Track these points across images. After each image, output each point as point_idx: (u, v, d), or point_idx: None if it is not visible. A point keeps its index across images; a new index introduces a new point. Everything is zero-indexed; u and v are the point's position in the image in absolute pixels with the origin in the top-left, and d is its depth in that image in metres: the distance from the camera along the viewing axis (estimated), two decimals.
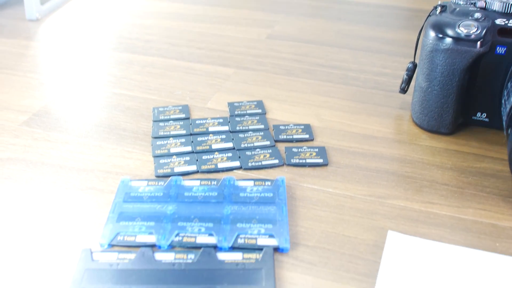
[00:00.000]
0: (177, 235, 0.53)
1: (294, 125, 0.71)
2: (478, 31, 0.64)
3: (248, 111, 0.73)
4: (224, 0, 1.18)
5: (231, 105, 0.75)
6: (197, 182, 0.60)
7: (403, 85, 0.75)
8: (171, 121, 0.71)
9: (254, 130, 0.69)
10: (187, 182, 0.60)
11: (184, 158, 0.64)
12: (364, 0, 1.19)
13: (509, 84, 0.65)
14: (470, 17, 0.66)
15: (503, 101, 0.65)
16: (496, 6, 0.66)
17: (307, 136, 0.69)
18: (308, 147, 0.66)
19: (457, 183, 0.62)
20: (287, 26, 1.04)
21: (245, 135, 0.68)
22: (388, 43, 0.98)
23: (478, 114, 0.71)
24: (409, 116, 0.74)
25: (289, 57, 0.91)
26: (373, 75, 0.85)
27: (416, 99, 0.71)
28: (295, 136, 0.68)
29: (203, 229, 0.53)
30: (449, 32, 0.65)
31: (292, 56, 0.92)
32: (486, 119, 0.71)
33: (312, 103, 0.77)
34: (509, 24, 0.65)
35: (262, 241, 0.52)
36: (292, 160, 0.64)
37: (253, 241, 0.52)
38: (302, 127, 0.70)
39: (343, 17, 1.11)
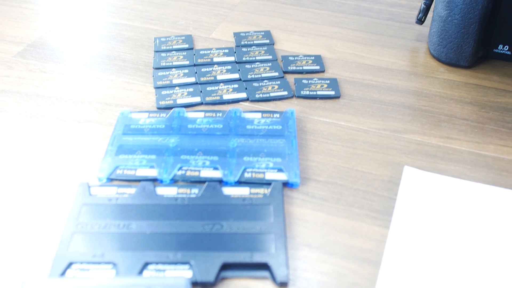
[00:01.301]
0: (180, 168, 0.49)
1: (304, 56, 0.67)
2: None
3: (255, 42, 0.69)
4: None
5: (237, 35, 0.71)
6: (201, 114, 0.56)
7: (420, 15, 0.70)
8: (173, 52, 0.67)
9: (261, 61, 0.65)
10: (190, 114, 0.56)
11: (187, 90, 0.60)
12: None
13: None
14: None
15: None
16: None
17: (318, 67, 0.65)
18: (319, 79, 0.62)
19: (477, 118, 0.58)
20: None
21: (252, 66, 0.64)
22: None
23: (500, 47, 0.66)
24: (425, 48, 0.70)
25: None
26: (388, 6, 0.81)
27: (434, 30, 0.67)
28: (305, 67, 0.64)
29: (207, 163, 0.50)
30: None
31: None
32: (508, 52, 0.67)
33: (323, 34, 0.73)
34: None
35: (271, 175, 0.49)
36: (302, 92, 0.60)
37: (261, 175, 0.49)
38: (313, 58, 0.66)
39: None
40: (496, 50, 0.67)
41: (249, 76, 0.62)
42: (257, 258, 0.42)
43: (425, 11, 0.70)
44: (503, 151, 0.54)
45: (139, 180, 0.49)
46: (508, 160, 0.53)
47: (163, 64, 0.65)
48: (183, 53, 0.67)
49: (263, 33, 0.71)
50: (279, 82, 0.61)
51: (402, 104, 0.60)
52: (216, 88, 0.60)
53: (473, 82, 0.64)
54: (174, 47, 0.68)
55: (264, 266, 0.42)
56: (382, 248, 0.44)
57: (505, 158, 0.53)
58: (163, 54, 0.67)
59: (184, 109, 0.57)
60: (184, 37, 0.70)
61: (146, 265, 0.42)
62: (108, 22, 0.75)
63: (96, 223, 0.45)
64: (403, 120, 0.57)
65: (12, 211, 0.47)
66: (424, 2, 0.69)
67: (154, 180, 0.49)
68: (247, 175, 0.49)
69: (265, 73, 0.63)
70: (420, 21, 0.70)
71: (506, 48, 0.66)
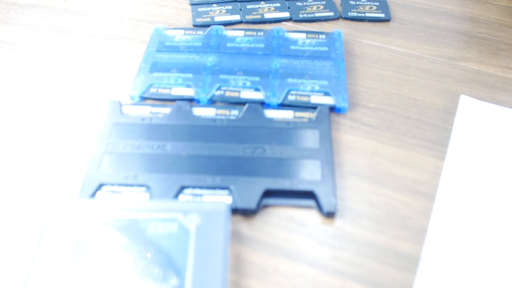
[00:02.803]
0: (219, 88, 0.46)
1: None
2: None
3: None
4: None
5: None
6: (241, 33, 0.52)
7: None
8: None
9: None
10: (229, 32, 0.52)
11: (225, 7, 0.56)
12: None
13: None
14: None
15: None
16: None
17: None
18: (368, 0, 0.57)
19: None
20: None
21: None
22: None
23: None
24: None
25: None
26: None
27: None
28: None
29: (248, 83, 0.46)
30: None
31: None
32: None
33: None
34: None
35: (317, 98, 0.45)
36: (349, 13, 0.55)
37: (306, 99, 0.45)
38: None
39: None
40: None
41: None
42: (302, 185, 0.39)
43: None
44: None
45: (174, 100, 0.45)
46: None
47: None
48: None
49: None
50: (324, 2, 0.57)
51: (457, 30, 0.55)
52: (257, 6, 0.56)
53: None
54: None
55: (309, 195, 0.38)
56: (437, 181, 0.40)
57: None
58: None
59: (222, 27, 0.53)
60: None
61: (182, 189, 0.39)
62: None
63: (128, 143, 0.42)
64: (458, 47, 0.53)
65: (40, 130, 0.44)
66: None
67: (190, 100, 0.45)
68: (291, 97, 0.45)
69: None
70: None
71: None
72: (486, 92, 0.48)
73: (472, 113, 0.45)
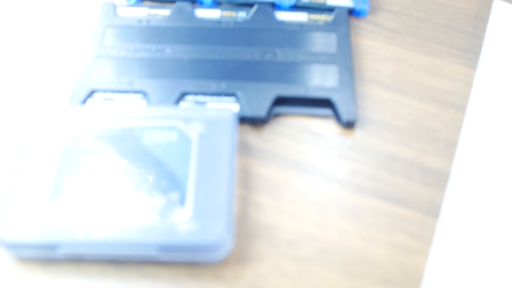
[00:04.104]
0: None
1: None
2: None
3: None
4: None
5: None
6: None
7: None
8: None
9: None
10: None
11: None
12: None
13: None
14: None
15: None
16: None
17: None
18: None
19: None
20: None
21: None
22: None
23: None
24: None
25: None
26: None
27: None
28: None
29: None
30: None
31: None
32: None
33: None
34: None
35: (334, 0, 0.40)
36: None
37: (322, 0, 0.40)
38: None
39: None
40: None
41: None
42: (318, 92, 0.34)
43: None
44: None
45: (174, 1, 0.40)
46: None
47: None
48: None
49: None
50: None
51: None
52: None
53: None
54: None
55: (326, 103, 0.34)
56: (468, 91, 0.36)
57: None
58: None
59: None
60: None
61: (183, 95, 0.34)
62: None
63: (122, 46, 0.37)
64: None
65: (28, 34, 0.39)
66: None
67: (192, 2, 0.40)
68: None
69: None
70: None
71: None
72: None
73: (507, 20, 0.40)
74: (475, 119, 0.34)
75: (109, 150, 0.31)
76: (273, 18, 0.39)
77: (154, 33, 0.38)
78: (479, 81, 0.36)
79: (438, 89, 0.36)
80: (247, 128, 0.34)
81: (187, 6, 0.40)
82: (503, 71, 0.37)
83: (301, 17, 0.39)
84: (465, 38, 0.40)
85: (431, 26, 0.40)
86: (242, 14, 0.39)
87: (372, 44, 0.39)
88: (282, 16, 0.39)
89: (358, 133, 0.34)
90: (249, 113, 0.33)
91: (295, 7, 0.40)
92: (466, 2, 0.42)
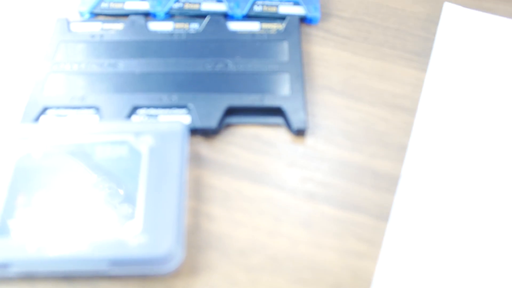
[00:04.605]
0: (177, 1, 0.41)
1: None
2: None
3: None
4: None
5: None
6: None
7: None
8: None
9: None
10: None
11: None
12: None
13: None
14: None
15: None
16: None
17: None
18: None
19: None
20: None
21: None
22: None
23: None
24: None
25: None
26: None
27: None
28: None
29: None
30: None
31: None
32: None
33: None
34: None
35: (286, 8, 0.41)
36: None
37: (273, 9, 0.41)
38: None
39: None
40: None
41: None
42: (269, 101, 0.35)
43: None
44: None
45: (127, 15, 0.41)
46: None
47: None
48: None
49: None
50: None
51: None
52: None
53: None
54: None
55: (277, 111, 0.35)
56: (418, 94, 0.37)
57: None
58: None
59: None
60: None
61: (135, 109, 0.35)
62: None
63: (75, 62, 0.37)
64: None
65: None
66: None
67: (146, 14, 0.41)
68: (257, 8, 0.41)
69: None
70: None
71: None
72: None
73: (457, 22, 0.41)
74: (425, 122, 0.35)
75: (60, 167, 0.31)
76: (225, 28, 0.39)
77: (107, 48, 0.38)
78: (429, 83, 0.37)
79: (389, 93, 0.37)
80: (198, 140, 0.34)
81: (140, 19, 0.40)
82: (453, 72, 0.38)
83: (253, 26, 0.40)
84: (416, 41, 0.40)
85: (383, 30, 0.41)
86: (194, 26, 0.40)
87: (324, 51, 0.39)
88: (234, 26, 0.40)
89: (309, 140, 0.34)
90: (200, 124, 0.34)
91: (247, 17, 0.40)
92: (417, 5, 0.43)
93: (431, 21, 0.42)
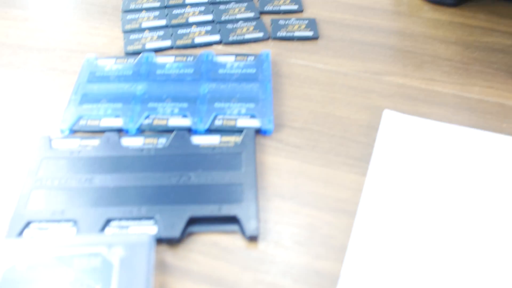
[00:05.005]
0: (147, 117, 0.47)
1: None
2: None
3: None
4: None
5: None
6: (171, 59, 0.53)
7: None
8: None
9: (236, 1, 0.62)
10: (160, 59, 0.53)
11: (157, 33, 0.57)
12: None
13: None
14: None
15: None
16: None
17: (296, 7, 0.61)
18: (297, 19, 0.59)
19: (462, 59, 0.55)
20: None
21: (227, 6, 0.61)
22: None
23: None
24: None
25: None
26: None
27: None
28: (282, 7, 0.61)
29: (176, 110, 0.47)
30: None
31: None
32: None
33: None
34: None
35: (243, 122, 0.46)
36: (278, 33, 0.57)
37: (232, 122, 0.46)
38: None
39: None
40: None
41: (223, 18, 0.59)
42: (226, 211, 0.40)
43: None
44: (488, 93, 0.52)
45: (103, 131, 0.46)
46: (492, 103, 0.50)
47: (132, 6, 0.61)
48: None
49: None
50: (254, 23, 0.58)
51: (384, 45, 0.57)
52: (188, 30, 0.57)
53: (459, 21, 0.61)
54: None
55: (233, 220, 0.40)
56: (358, 197, 0.42)
57: (490, 100, 0.51)
58: None
59: (153, 53, 0.54)
60: None
61: (108, 221, 0.40)
62: None
63: (56, 177, 0.42)
64: (384, 62, 0.54)
65: None
66: None
67: (119, 131, 0.46)
68: (218, 122, 0.46)
69: (240, 13, 0.60)
70: None
71: None
72: (409, 105, 0.50)
73: (394, 127, 0.47)
74: (363, 223, 0.40)
75: (43, 279, 0.35)
76: (189, 143, 0.45)
77: (84, 164, 0.43)
78: (367, 187, 0.42)
79: (332, 198, 0.42)
80: (164, 248, 0.39)
81: (114, 136, 0.45)
82: (390, 175, 0.43)
83: (214, 140, 0.45)
84: (358, 147, 0.46)
85: (329, 138, 0.46)
86: (162, 141, 0.45)
87: (276, 160, 0.44)
88: (197, 140, 0.45)
89: (261, 244, 0.39)
90: (165, 234, 0.38)
91: (209, 131, 0.46)
92: (361, 113, 0.49)
93: (373, 128, 0.47)
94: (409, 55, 0.56)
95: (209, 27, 0.58)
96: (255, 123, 0.46)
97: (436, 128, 0.47)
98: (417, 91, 0.51)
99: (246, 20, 0.59)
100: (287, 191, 0.42)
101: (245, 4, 0.61)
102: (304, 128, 0.47)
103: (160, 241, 0.39)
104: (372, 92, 0.51)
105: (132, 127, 0.46)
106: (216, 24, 0.58)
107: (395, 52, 0.56)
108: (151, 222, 0.39)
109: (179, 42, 0.56)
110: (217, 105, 0.48)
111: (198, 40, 0.56)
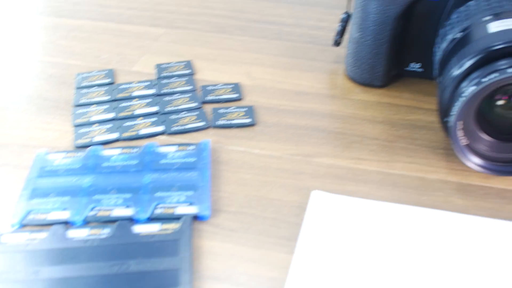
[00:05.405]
0: (92, 209, 0.50)
1: (223, 84, 0.68)
2: None
3: (176, 73, 0.70)
4: None
5: (158, 67, 0.72)
6: (117, 151, 0.57)
7: (336, 37, 0.72)
8: (94, 87, 0.68)
9: (181, 92, 0.67)
10: (106, 152, 0.57)
11: (105, 126, 0.61)
12: None
13: (441, 31, 0.62)
14: None
15: (435, 49, 0.63)
16: None
17: (236, 95, 0.66)
18: (236, 107, 0.63)
19: (388, 137, 0.60)
20: None
21: (171, 98, 0.66)
22: None
23: (412, 65, 0.69)
24: (343, 70, 0.72)
25: (222, 14, 0.87)
26: (309, 29, 0.82)
27: (349, 51, 0.69)
28: (223, 96, 0.66)
29: (120, 201, 0.51)
30: None
31: (226, 12, 0.88)
32: (421, 69, 0.69)
33: (244, 60, 0.74)
34: None
35: (182, 209, 0.50)
36: (218, 121, 0.61)
37: (171, 211, 0.50)
38: (231, 86, 0.68)
39: None
40: (408, 68, 0.69)
41: (167, 109, 0.64)
42: None
43: (341, 33, 0.72)
44: (410, 168, 0.56)
45: (51, 224, 0.49)
46: (413, 177, 0.55)
47: (83, 101, 0.66)
48: (104, 88, 0.68)
49: (184, 63, 0.73)
50: (197, 113, 0.63)
51: (316, 127, 0.62)
52: (134, 123, 0.61)
53: (386, 101, 0.66)
54: (96, 82, 0.69)
55: None
56: (285, 276, 0.45)
57: (411, 175, 0.55)
58: (84, 91, 0.68)
59: (101, 146, 0.58)
60: (106, 72, 0.71)
61: None
62: (32, 59, 0.76)
63: (4, 272, 0.45)
64: (316, 144, 0.59)
65: None
66: (340, 24, 0.71)
67: (66, 223, 0.49)
68: (158, 211, 0.50)
69: (184, 104, 0.64)
70: (337, 43, 0.73)
71: (418, 65, 0.69)
72: (338, 184, 0.54)
73: (321, 206, 0.51)
74: None
75: None
76: (130, 232, 0.48)
77: (31, 257, 0.46)
78: (294, 265, 0.46)
79: (264, 277, 0.46)
80: None
81: (60, 228, 0.49)
82: (314, 252, 0.47)
83: (154, 228, 0.49)
84: (288, 228, 0.50)
85: (262, 221, 0.50)
86: (106, 231, 0.48)
87: (212, 244, 0.48)
88: (138, 229, 0.49)
89: None
90: None
91: (150, 219, 0.50)
92: (292, 195, 0.53)
93: (303, 208, 0.52)
94: (339, 136, 0.60)
95: (154, 119, 0.62)
96: (193, 210, 0.50)
97: (359, 205, 0.51)
98: (345, 171, 0.56)
99: (189, 110, 0.64)
100: (221, 273, 0.46)
101: (189, 95, 0.66)
102: (239, 212, 0.51)
103: None
104: (303, 174, 0.55)
105: (78, 219, 0.49)
106: (161, 115, 0.63)
107: (327, 134, 0.61)
108: None
109: (125, 135, 0.60)
110: (158, 194, 0.51)
111: (144, 131, 0.60)
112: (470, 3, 0.59)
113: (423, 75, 0.69)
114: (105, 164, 0.55)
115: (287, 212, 0.51)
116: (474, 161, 0.55)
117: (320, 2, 0.91)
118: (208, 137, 0.60)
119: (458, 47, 0.55)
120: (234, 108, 0.64)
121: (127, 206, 0.50)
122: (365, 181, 0.55)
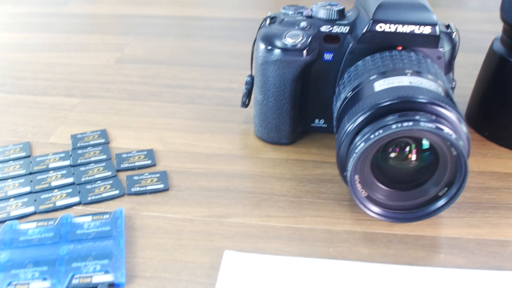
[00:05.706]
0: (9, 284, 0.51)
1: (137, 151, 0.71)
2: (304, 40, 0.66)
3: (91, 142, 0.73)
4: (74, 26, 1.16)
5: (74, 137, 0.74)
6: (34, 224, 0.59)
7: (243, 99, 0.76)
8: (10, 162, 0.70)
9: (95, 162, 0.69)
10: (23, 226, 0.58)
11: (21, 200, 0.62)
12: (216, 14, 1.21)
13: (336, 89, 0.67)
14: (296, 27, 0.68)
15: (333, 107, 0.68)
16: (321, 13, 0.68)
17: (149, 161, 0.69)
18: (150, 173, 0.66)
19: (295, 193, 0.64)
20: (137, 48, 1.04)
21: (86, 167, 0.68)
22: (238, 57, 0.99)
23: (316, 121, 0.73)
24: (253, 130, 0.76)
25: (137, 81, 0.91)
26: (220, 91, 0.87)
27: (255, 113, 0.73)
28: (137, 163, 0.68)
29: (37, 274, 0.52)
30: (277, 43, 0.67)
31: (140, 79, 0.91)
32: (325, 125, 0.73)
33: (157, 126, 0.77)
34: (333, 31, 0.67)
35: (98, 278, 0.52)
36: (132, 188, 0.64)
37: (88, 280, 0.52)
38: (145, 153, 0.71)
39: (194, 33, 1.12)
40: (314, 124, 0.74)
41: (82, 179, 0.65)
42: None
43: (247, 95, 0.76)
44: (317, 221, 0.60)
45: None
46: (321, 230, 0.59)
47: None
48: (20, 162, 0.69)
49: (99, 132, 0.75)
50: (111, 182, 0.65)
51: (227, 188, 0.65)
52: (50, 195, 0.63)
53: (294, 157, 0.70)
54: (11, 156, 0.70)
55: None
56: None
57: (319, 228, 0.59)
58: None
59: (17, 221, 0.59)
60: (21, 145, 0.73)
61: None
62: None
63: None
64: (227, 205, 0.62)
65: None
66: (245, 87, 0.76)
67: None
68: (75, 281, 0.52)
69: (99, 173, 0.66)
70: (245, 104, 0.77)
71: (322, 121, 0.73)
72: (248, 243, 0.57)
73: (234, 266, 0.54)
74: None
75: None
76: None
77: None
78: None
79: None
80: None
81: None
82: None
83: None
84: None
85: (176, 284, 0.53)
86: None
87: None
88: None
89: None
90: None
91: None
92: (205, 256, 0.56)
93: (215, 269, 0.54)
94: (249, 196, 0.64)
95: (69, 190, 0.64)
96: (108, 278, 0.52)
97: (269, 262, 0.54)
98: (255, 229, 0.59)
99: (103, 179, 0.66)
100: None
101: (104, 164, 0.68)
102: (154, 276, 0.53)
103: None
104: (215, 234, 0.58)
105: None
106: (76, 186, 0.65)
107: (237, 194, 0.64)
108: None
109: (42, 207, 0.61)
110: (74, 265, 0.53)
111: (60, 203, 0.62)
112: (358, 63, 0.65)
113: (327, 130, 0.74)
114: (22, 238, 0.57)
115: (200, 274, 0.54)
116: (374, 211, 0.59)
117: (231, 64, 0.96)
118: (123, 205, 0.62)
119: (350, 105, 0.60)
120: (147, 175, 0.66)
121: (44, 279, 0.52)
122: (274, 238, 0.58)
